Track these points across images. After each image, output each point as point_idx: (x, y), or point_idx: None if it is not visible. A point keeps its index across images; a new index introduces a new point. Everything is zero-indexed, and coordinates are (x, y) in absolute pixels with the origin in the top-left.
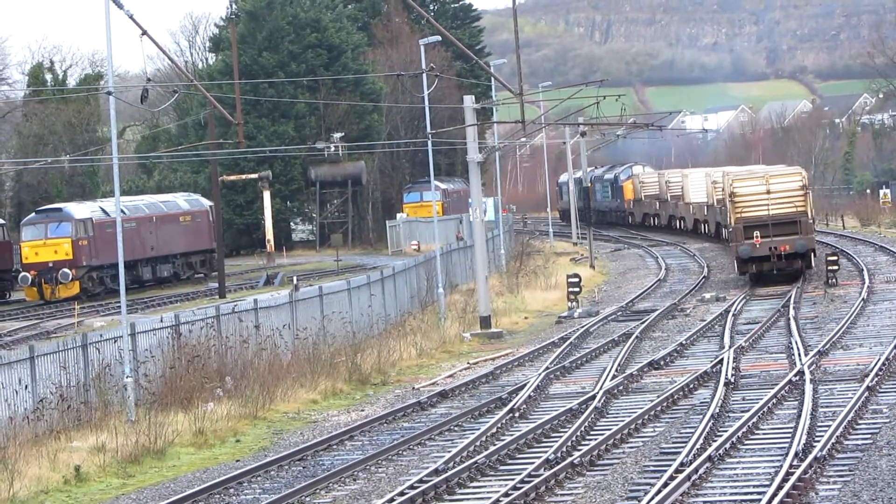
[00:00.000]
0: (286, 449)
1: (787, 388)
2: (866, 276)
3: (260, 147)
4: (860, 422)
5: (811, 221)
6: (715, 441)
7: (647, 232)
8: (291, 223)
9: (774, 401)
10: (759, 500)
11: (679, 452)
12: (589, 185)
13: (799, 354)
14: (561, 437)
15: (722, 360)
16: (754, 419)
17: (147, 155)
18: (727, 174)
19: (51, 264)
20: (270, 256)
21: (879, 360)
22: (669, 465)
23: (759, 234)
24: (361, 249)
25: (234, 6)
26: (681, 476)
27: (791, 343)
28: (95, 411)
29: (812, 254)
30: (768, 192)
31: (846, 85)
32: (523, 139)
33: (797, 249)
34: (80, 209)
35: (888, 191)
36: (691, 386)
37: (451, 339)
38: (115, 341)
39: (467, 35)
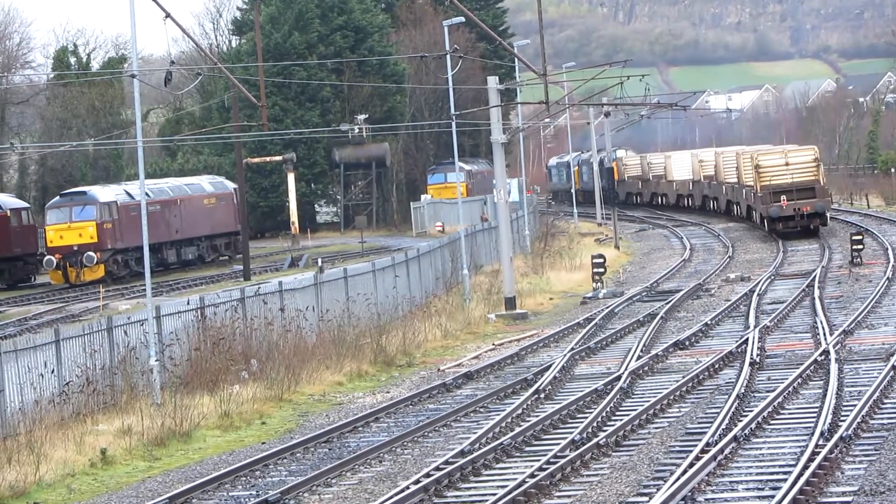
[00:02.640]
0: (312, 431)
1: (812, 367)
2: (891, 256)
3: (285, 130)
4: (886, 401)
5: (825, 187)
6: (740, 421)
7: (669, 212)
8: (316, 205)
9: (800, 380)
10: (785, 480)
11: (705, 433)
12: (576, 167)
13: (824, 334)
14: (586, 417)
15: (747, 339)
16: (780, 399)
17: (171, 138)
18: (719, 153)
19: (76, 248)
20: (295, 239)
21: None
22: (695, 446)
23: (785, 198)
24: (386, 231)
25: None
26: (706, 456)
27: (816, 322)
28: (121, 394)
29: (827, 214)
30: (787, 164)
31: (870, 64)
32: (547, 120)
33: (817, 210)
34: (105, 192)
35: None
36: (717, 366)
37: (476, 320)
38: (140, 324)
39: (491, 16)
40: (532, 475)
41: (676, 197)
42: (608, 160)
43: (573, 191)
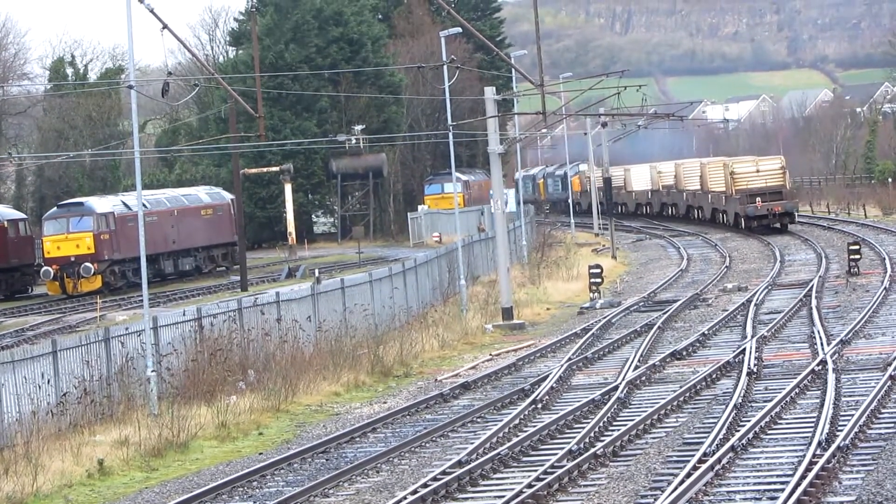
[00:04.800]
0: (309, 441)
1: (809, 377)
2: (889, 266)
3: (282, 141)
4: (883, 411)
5: (791, 191)
6: (738, 431)
7: (668, 222)
8: (313, 216)
9: (797, 390)
10: (783, 489)
11: (702, 443)
12: (542, 180)
13: (821, 344)
14: (584, 427)
15: (744, 349)
16: (777, 409)
17: (168, 149)
18: (679, 165)
19: (73, 258)
20: (292, 249)
21: None
22: (692, 456)
23: (759, 200)
24: (383, 241)
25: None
26: (704, 466)
27: (813, 332)
28: (118, 405)
29: (795, 213)
30: (758, 171)
31: (867, 74)
32: (544, 130)
33: (787, 209)
34: (102, 203)
35: None
36: (714, 376)
37: (474, 330)
38: (137, 335)
39: (488, 26)
40: (529, 485)
41: (636, 205)
42: (570, 173)
43: (570, 201)
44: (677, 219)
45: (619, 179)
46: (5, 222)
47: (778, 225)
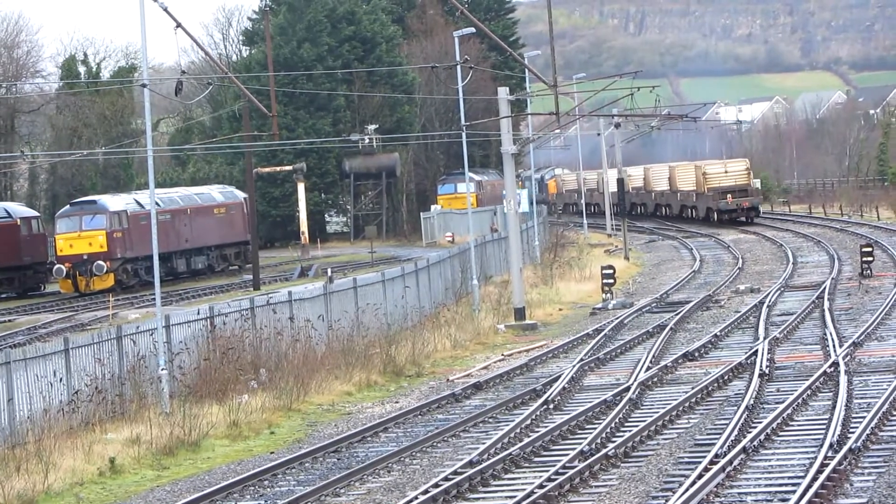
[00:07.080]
0: (321, 441)
1: (821, 379)
2: None
3: (295, 140)
4: (895, 413)
5: (756, 189)
6: (749, 432)
7: (680, 223)
8: (326, 215)
9: (809, 392)
10: (794, 491)
11: (713, 444)
12: (520, 182)
13: (833, 346)
14: (595, 428)
15: (756, 351)
16: (789, 411)
17: (181, 147)
18: (648, 168)
19: (85, 256)
20: (305, 248)
21: None
22: (704, 457)
23: (730, 196)
24: (396, 241)
25: None
26: (715, 468)
27: (826, 334)
28: (130, 403)
29: (760, 207)
30: (726, 172)
31: (881, 76)
32: (557, 131)
33: (753, 204)
34: (115, 201)
35: None
36: (726, 377)
37: (486, 330)
38: (149, 333)
39: (501, 27)
40: (540, 486)
41: (610, 206)
42: (546, 177)
43: (583, 202)
44: (646, 216)
45: (593, 182)
46: (18, 220)
47: (744, 218)
